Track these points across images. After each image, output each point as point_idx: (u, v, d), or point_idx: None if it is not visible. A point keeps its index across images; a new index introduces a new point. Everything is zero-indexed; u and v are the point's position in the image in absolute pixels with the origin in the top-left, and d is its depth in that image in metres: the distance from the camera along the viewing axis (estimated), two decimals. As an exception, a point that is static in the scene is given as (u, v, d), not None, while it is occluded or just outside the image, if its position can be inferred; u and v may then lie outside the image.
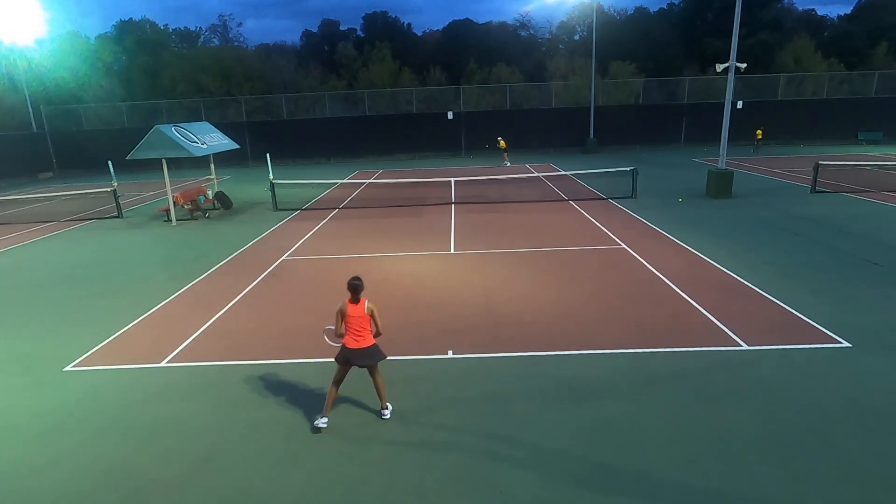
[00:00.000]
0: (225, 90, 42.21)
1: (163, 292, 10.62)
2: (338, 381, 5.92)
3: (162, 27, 54.27)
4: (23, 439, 6.00)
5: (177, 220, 17.81)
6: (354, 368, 5.89)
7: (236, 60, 45.95)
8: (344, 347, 5.77)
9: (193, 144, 17.93)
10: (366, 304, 5.73)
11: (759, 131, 32.18)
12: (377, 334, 5.84)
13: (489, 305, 9.23)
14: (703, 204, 17.56)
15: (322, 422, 5.85)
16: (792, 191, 19.27)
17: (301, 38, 65.68)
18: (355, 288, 5.69)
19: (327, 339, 6.06)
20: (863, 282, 9.75)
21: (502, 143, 30.72)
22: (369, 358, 5.78)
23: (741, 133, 32.18)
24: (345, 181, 26.24)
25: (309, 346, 7.95)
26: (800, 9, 58.91)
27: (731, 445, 5.35)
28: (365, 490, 4.97)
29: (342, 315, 5.71)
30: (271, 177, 19.91)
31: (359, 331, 5.70)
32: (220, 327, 8.84)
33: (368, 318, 5.73)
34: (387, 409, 6.04)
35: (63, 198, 24.82)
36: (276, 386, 6.88)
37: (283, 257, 12.99)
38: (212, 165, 22.08)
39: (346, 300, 5.71)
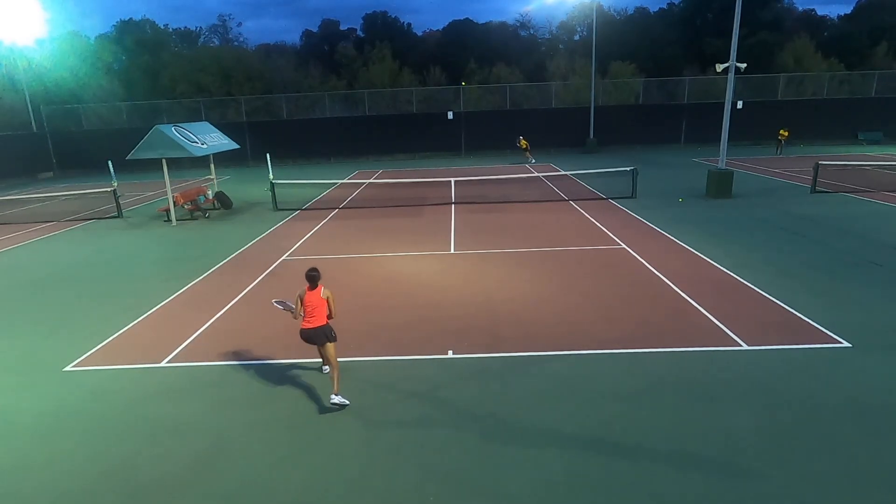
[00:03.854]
0: (225, 90, 42.23)
1: (163, 292, 10.62)
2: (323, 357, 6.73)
3: (162, 27, 54.32)
4: (23, 439, 6.00)
5: (177, 220, 17.81)
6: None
7: (236, 60, 45.94)
8: (301, 329, 6.42)
9: (193, 144, 17.93)
10: (322, 290, 6.34)
11: (782, 131, 31.16)
12: (330, 317, 6.43)
13: (489, 305, 9.23)
14: (703, 204, 17.56)
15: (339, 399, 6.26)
16: (792, 191, 19.26)
17: (301, 38, 65.84)
18: (312, 278, 6.31)
19: (277, 305, 6.88)
20: (863, 282, 9.75)
21: (523, 142, 31.31)
22: (319, 337, 6.39)
23: (741, 133, 32.17)
24: (345, 181, 26.23)
25: (309, 347, 7.94)
26: (800, 9, 59.08)
27: (731, 445, 5.34)
28: (365, 490, 4.97)
29: (300, 299, 6.35)
30: (271, 177, 19.91)
31: (311, 313, 6.34)
32: (220, 327, 8.84)
33: (324, 302, 6.34)
34: (336, 396, 6.18)
35: (63, 198, 24.82)
36: (276, 386, 6.88)
37: (283, 257, 12.98)
38: (212, 165, 22.09)
39: (305, 287, 6.34)
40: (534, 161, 31.03)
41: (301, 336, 6.41)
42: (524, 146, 31.25)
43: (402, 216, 17.28)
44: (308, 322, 6.33)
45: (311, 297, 6.27)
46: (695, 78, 39.13)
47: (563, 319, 8.57)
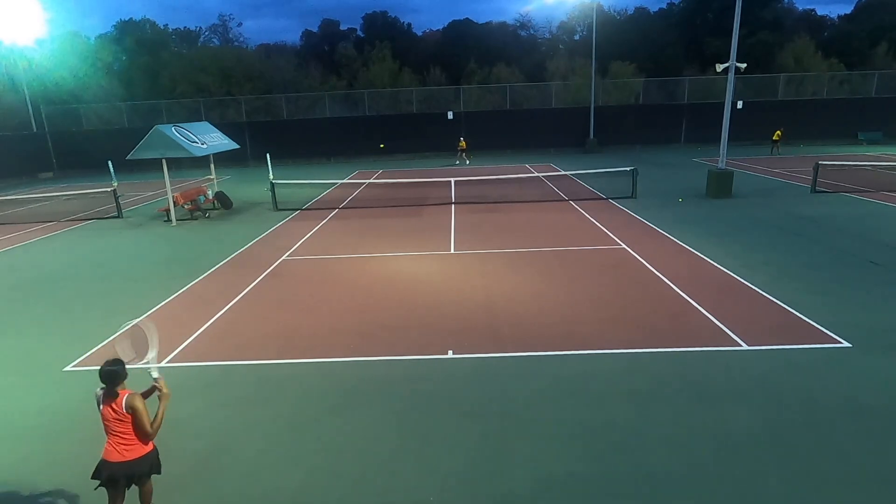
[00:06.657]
0: (225, 90, 42.21)
1: (163, 292, 10.62)
2: None
3: (162, 27, 54.32)
4: (23, 439, 6.00)
5: (177, 220, 17.81)
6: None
7: (236, 60, 45.93)
8: (103, 461, 4.06)
9: (193, 144, 17.93)
10: (125, 398, 4.01)
11: (777, 132, 31.19)
12: (147, 435, 4.14)
13: (489, 305, 9.23)
14: (703, 204, 17.55)
15: None
16: (792, 191, 19.26)
17: (301, 38, 65.79)
18: (111, 375, 3.98)
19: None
20: (863, 282, 9.75)
21: (462, 143, 32.32)
22: (140, 472, 4.16)
23: (741, 133, 32.13)
24: (345, 181, 26.23)
25: (309, 346, 7.95)
26: (800, 9, 59.08)
27: (731, 445, 5.34)
28: (365, 490, 4.97)
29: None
30: (271, 177, 19.92)
31: (123, 436, 4.03)
32: (220, 327, 8.84)
33: (131, 418, 4.01)
34: None
35: (63, 198, 24.81)
36: (276, 386, 6.87)
37: (284, 257, 12.98)
38: (212, 165, 22.09)
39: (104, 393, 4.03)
40: (458, 164, 31.33)
41: (103, 474, 4.06)
42: (462, 146, 32.16)
43: (402, 216, 17.28)
44: (118, 451, 4.01)
45: (107, 410, 4.01)
46: (695, 78, 39.14)
47: (564, 319, 8.57)
